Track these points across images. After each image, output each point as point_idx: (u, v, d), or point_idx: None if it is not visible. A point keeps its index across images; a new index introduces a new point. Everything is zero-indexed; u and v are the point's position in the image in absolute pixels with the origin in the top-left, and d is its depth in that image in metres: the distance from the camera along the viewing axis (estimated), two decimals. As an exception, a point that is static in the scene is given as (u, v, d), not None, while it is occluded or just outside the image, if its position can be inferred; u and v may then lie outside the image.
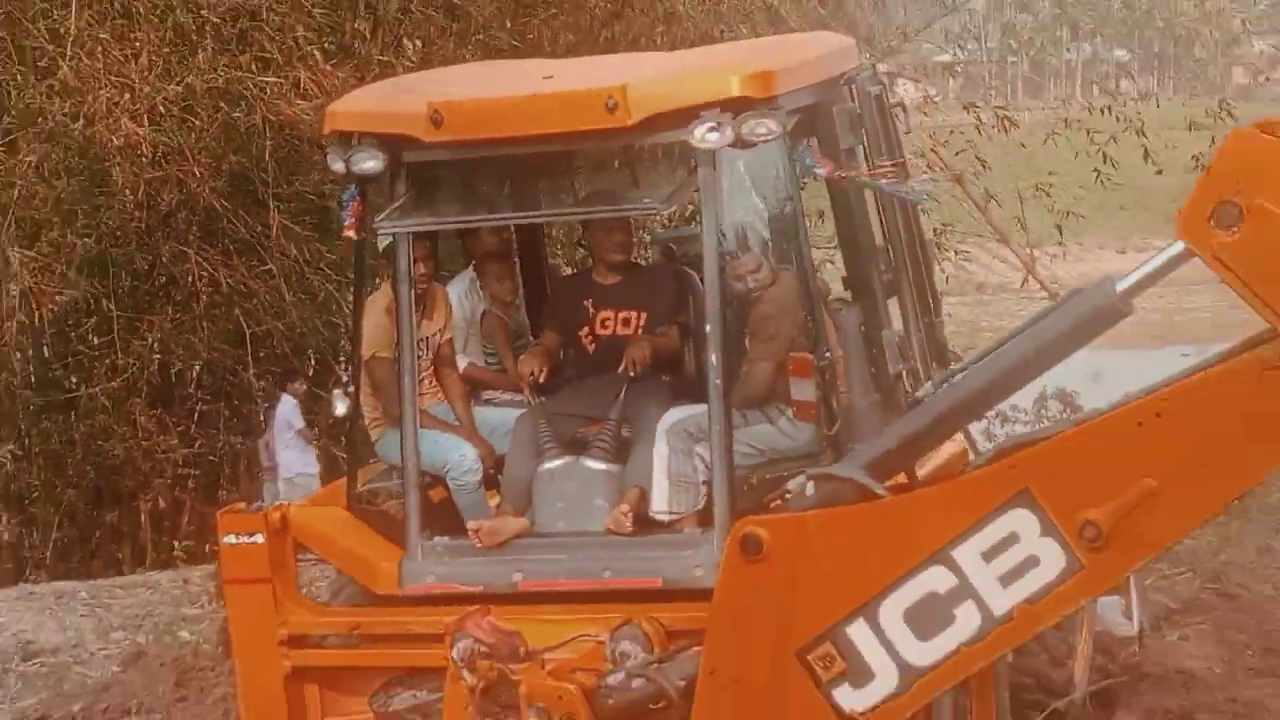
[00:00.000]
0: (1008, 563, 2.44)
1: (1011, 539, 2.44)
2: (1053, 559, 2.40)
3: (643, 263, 4.90)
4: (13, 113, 7.42)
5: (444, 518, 3.79)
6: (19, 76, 7.34)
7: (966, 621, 2.47)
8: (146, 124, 6.99)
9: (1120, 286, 2.33)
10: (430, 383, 3.90)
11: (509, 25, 8.00)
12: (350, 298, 4.83)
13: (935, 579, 2.47)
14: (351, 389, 4.03)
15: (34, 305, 7.01)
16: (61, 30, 7.11)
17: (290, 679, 3.77)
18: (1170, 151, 10.81)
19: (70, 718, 5.27)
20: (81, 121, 6.95)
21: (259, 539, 3.76)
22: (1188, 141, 10.27)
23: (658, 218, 5.47)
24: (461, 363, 4.00)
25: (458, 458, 3.70)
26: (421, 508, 3.65)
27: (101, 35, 7.08)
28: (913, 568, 2.49)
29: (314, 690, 3.85)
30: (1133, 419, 2.37)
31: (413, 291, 3.62)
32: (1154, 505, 2.31)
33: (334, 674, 3.88)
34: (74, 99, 7.01)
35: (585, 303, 3.86)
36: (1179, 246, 2.25)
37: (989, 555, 2.45)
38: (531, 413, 3.78)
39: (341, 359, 5.28)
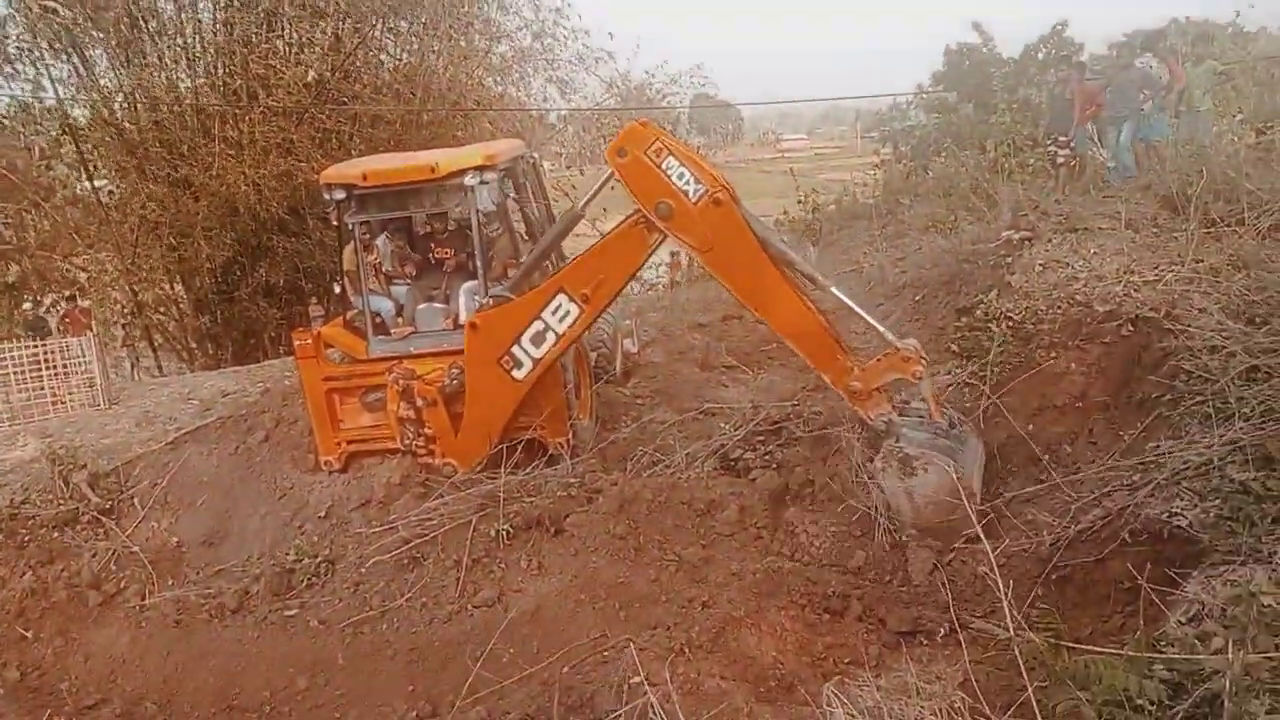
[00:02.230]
0: (561, 314, 7.21)
1: (560, 306, 7.20)
2: (574, 311, 7.16)
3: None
4: (195, 183, 14.98)
5: (382, 327, 9.26)
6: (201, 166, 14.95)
7: (551, 338, 7.33)
8: (252, 185, 14.53)
9: (582, 202, 7.58)
10: (372, 280, 9.31)
11: (393, 140, 15.47)
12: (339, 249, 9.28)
13: (537, 325, 7.26)
14: (338, 290, 9.45)
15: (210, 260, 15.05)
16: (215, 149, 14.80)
17: (326, 392, 8.47)
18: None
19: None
20: (224, 186, 14.63)
21: (309, 339, 8.43)
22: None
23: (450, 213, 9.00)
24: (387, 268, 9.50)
25: (387, 305, 9.20)
26: (372, 325, 9.18)
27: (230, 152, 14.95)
28: (528, 323, 7.31)
29: (335, 397, 8.43)
30: (592, 252, 7.14)
31: (358, 243, 9.04)
32: (602, 285, 7.12)
33: (344, 389, 8.35)
34: (220, 178, 14.56)
35: (431, 244, 9.35)
36: (608, 170, 7.00)
37: (554, 312, 7.23)
38: (411, 289, 9.32)
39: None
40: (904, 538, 6.21)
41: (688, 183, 6.61)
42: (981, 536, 4.32)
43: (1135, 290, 7.26)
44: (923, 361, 6.44)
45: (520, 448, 7.63)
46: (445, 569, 6.49)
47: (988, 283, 8.75)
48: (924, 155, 19.26)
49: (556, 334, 7.34)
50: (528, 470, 7.40)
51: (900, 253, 12.43)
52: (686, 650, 5.10)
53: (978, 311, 7.78)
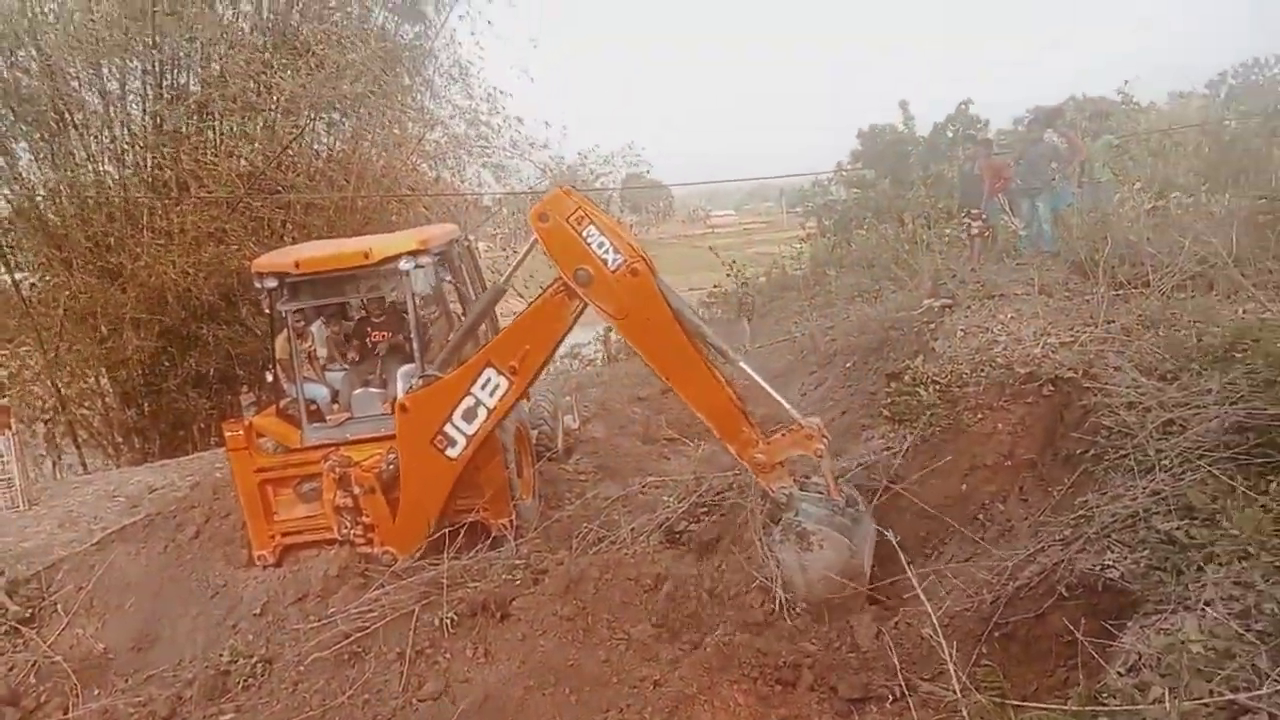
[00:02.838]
0: (490, 388, 7.15)
1: (489, 380, 7.13)
2: (503, 384, 7.12)
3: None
4: (124, 273, 14.74)
5: (318, 414, 9.14)
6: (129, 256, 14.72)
7: (482, 413, 7.27)
8: (182, 274, 14.42)
9: (505, 276, 7.60)
10: (306, 367, 9.22)
11: (327, 226, 15.78)
12: (271, 337, 9.20)
13: (467, 401, 7.19)
14: (270, 378, 9.27)
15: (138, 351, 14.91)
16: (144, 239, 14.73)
17: (260, 484, 8.36)
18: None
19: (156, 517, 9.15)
20: (154, 276, 14.40)
21: (241, 430, 8.60)
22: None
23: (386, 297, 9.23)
24: (321, 354, 9.41)
25: (322, 391, 9.08)
26: (306, 413, 9.03)
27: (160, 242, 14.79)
28: (458, 400, 7.26)
29: (268, 488, 8.37)
30: (516, 324, 7.15)
31: (292, 330, 8.95)
32: (529, 355, 7.04)
33: (278, 480, 8.33)
34: (149, 266, 14.38)
35: (367, 329, 9.31)
36: (533, 237, 6.93)
37: (483, 386, 7.14)
38: (347, 374, 9.24)
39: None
40: (797, 609, 6.27)
41: (607, 251, 6.70)
42: (924, 598, 4.38)
43: (1053, 351, 7.58)
44: (824, 440, 6.66)
45: (463, 531, 7.51)
46: (388, 663, 6.29)
47: (913, 348, 9.04)
48: (847, 229, 20.01)
49: (487, 408, 7.29)
50: (471, 554, 7.27)
51: (829, 321, 12.80)
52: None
53: (906, 377, 8.02)
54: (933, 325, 9.08)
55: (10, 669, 7.03)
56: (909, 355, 8.70)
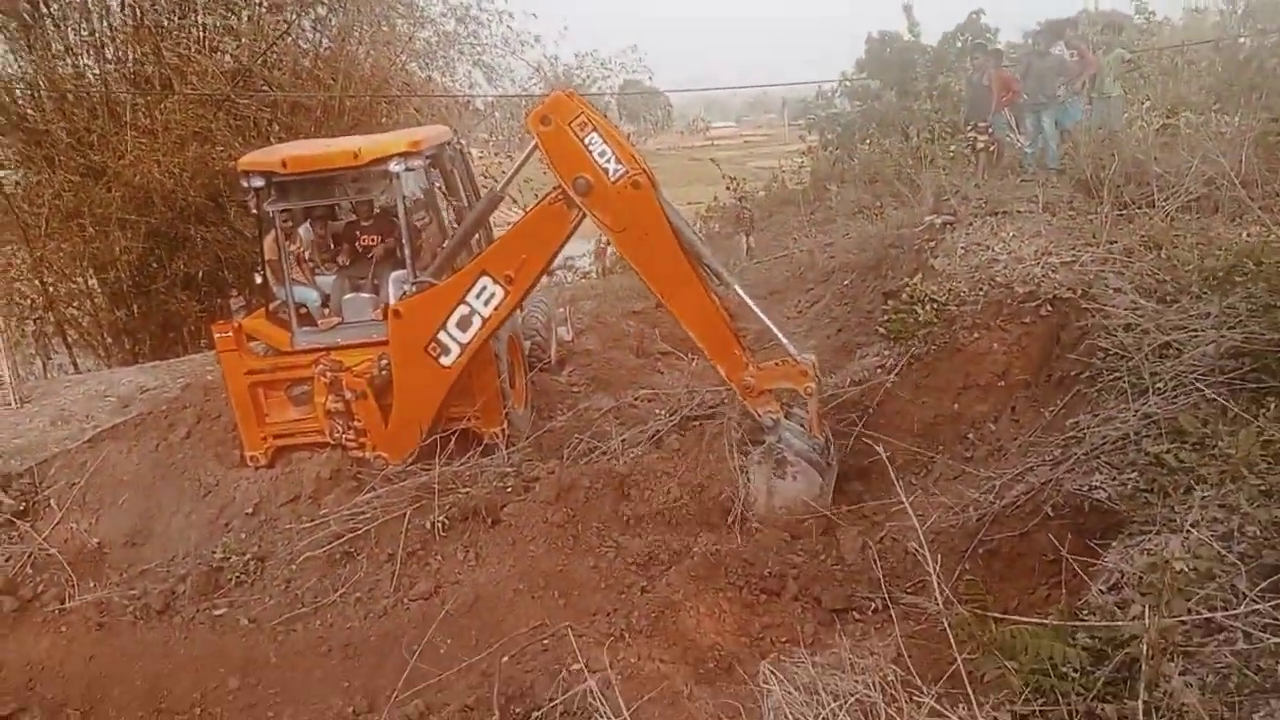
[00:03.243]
0: (485, 297, 7.01)
1: (484, 288, 7.00)
2: (499, 293, 6.99)
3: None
4: (109, 172, 14.19)
5: (308, 318, 9.02)
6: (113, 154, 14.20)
7: (477, 322, 7.10)
8: (168, 174, 13.95)
9: (502, 183, 7.39)
10: (296, 270, 9.03)
11: (314, 128, 15.14)
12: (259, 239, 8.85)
13: (462, 310, 7.06)
14: (259, 280, 9.12)
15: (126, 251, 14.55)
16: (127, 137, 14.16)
17: (250, 386, 8.15)
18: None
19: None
20: (138, 175, 13.88)
21: (231, 332, 8.29)
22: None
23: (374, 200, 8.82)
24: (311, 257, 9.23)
25: (312, 295, 8.96)
26: (296, 316, 8.91)
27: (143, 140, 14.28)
28: (452, 308, 7.09)
29: (259, 390, 8.19)
30: (514, 232, 7.06)
31: (279, 232, 8.74)
32: (525, 265, 6.93)
33: (268, 383, 8.15)
34: (133, 165, 13.92)
35: (356, 232, 9.11)
36: (532, 141, 6.70)
37: (478, 295, 7.02)
38: (338, 279, 9.09)
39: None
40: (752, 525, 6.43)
41: (609, 161, 6.49)
42: (911, 513, 4.41)
43: (1053, 271, 7.49)
44: (817, 379, 6.67)
45: (454, 438, 7.52)
46: (379, 563, 6.38)
47: (912, 266, 8.93)
48: (850, 142, 19.56)
49: (482, 317, 7.21)
50: (463, 461, 7.30)
51: (829, 238, 12.63)
52: (626, 635, 5.12)
53: (903, 294, 7.94)
54: (933, 243, 8.94)
55: (7, 559, 7.11)
56: (908, 273, 8.60)
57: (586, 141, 6.49)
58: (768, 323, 6.88)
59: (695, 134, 57.36)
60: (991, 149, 12.08)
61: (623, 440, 7.62)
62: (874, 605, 5.52)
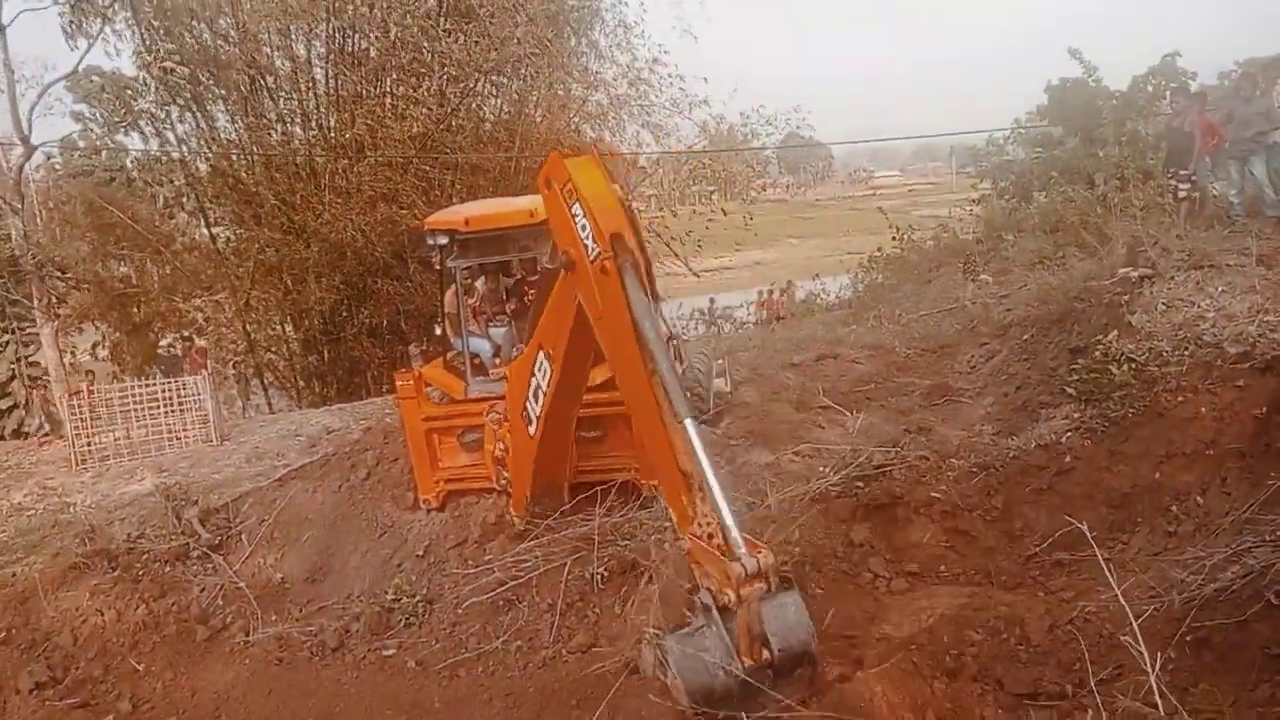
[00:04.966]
0: (543, 372, 6.55)
1: (541, 363, 6.55)
2: (548, 368, 6.48)
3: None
4: (308, 230, 15.76)
5: (481, 368, 9.33)
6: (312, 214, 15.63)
7: (541, 395, 6.64)
8: (359, 231, 15.02)
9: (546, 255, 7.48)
10: (471, 322, 9.37)
11: (491, 187, 15.97)
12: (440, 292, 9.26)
13: (533, 382, 6.70)
14: (438, 331, 9.56)
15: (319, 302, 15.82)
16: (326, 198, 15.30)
17: (426, 432, 8.51)
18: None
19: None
20: (334, 233, 15.38)
21: (410, 380, 8.59)
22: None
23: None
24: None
25: (485, 345, 9.27)
26: (470, 366, 9.25)
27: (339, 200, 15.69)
28: (528, 379, 6.72)
29: (434, 436, 8.50)
30: (548, 308, 6.33)
31: (459, 286, 9.16)
32: (556, 340, 6.21)
33: (443, 429, 8.45)
34: (330, 224, 15.29)
35: (525, 286, 9.38)
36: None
37: (539, 368, 6.59)
38: (508, 330, 9.39)
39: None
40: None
41: (588, 237, 5.43)
42: (1121, 597, 3.95)
43: (1271, 330, 6.74)
44: (759, 583, 4.51)
45: (614, 489, 7.54)
46: (540, 612, 6.43)
47: (1103, 322, 8.29)
48: (1026, 190, 18.59)
49: (544, 391, 6.75)
50: (622, 513, 7.29)
51: (1004, 290, 11.96)
52: (792, 704, 4.86)
53: (1095, 352, 7.35)
54: (1128, 297, 8.27)
55: (201, 590, 7.68)
56: (1099, 329, 7.97)
57: (572, 211, 5.59)
58: (719, 501, 4.70)
59: (857, 183, 56.58)
60: (1194, 197, 11.13)
61: (781, 499, 7.38)
62: (1065, 693, 5.01)
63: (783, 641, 4.73)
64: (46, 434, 15.04)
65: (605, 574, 6.54)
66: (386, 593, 7.08)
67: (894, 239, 17.81)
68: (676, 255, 17.99)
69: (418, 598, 6.93)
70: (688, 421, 4.98)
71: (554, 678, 5.89)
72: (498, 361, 9.00)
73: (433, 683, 6.12)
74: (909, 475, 6.93)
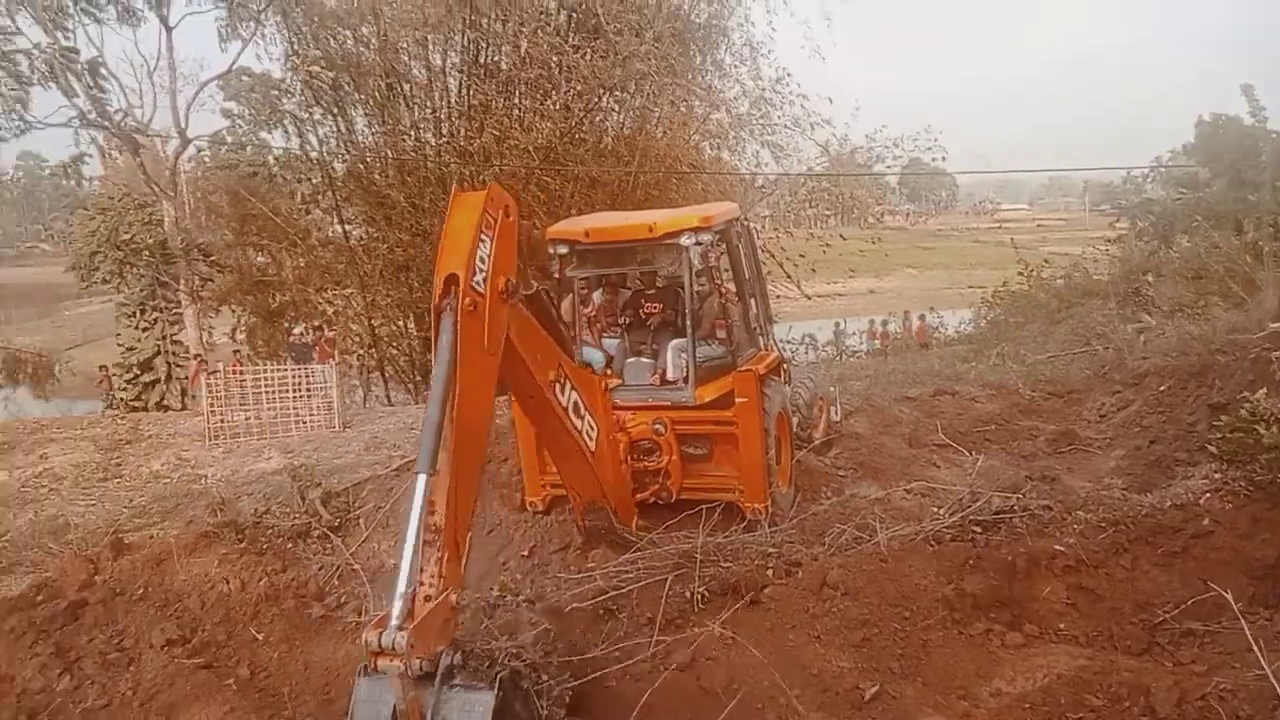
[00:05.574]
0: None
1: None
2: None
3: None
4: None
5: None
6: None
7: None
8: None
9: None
10: (586, 332, 9.54)
11: (609, 201, 16.10)
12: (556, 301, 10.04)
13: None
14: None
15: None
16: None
17: (535, 436, 9.63)
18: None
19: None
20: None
21: None
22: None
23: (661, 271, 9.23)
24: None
25: (598, 356, 9.42)
26: None
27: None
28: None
29: None
30: None
31: (576, 296, 9.33)
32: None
33: None
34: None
35: (641, 300, 9.52)
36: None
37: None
38: (621, 342, 9.51)
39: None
40: None
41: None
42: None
43: None
44: (384, 660, 4.12)
45: (718, 510, 7.52)
46: (639, 625, 6.44)
47: (1249, 378, 7.81)
48: (1167, 233, 17.67)
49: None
50: (726, 534, 7.26)
51: (1142, 336, 11.38)
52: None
53: (1241, 410, 6.90)
54: (1278, 353, 7.75)
55: (319, 569, 8.02)
56: (1243, 385, 7.50)
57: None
58: (407, 544, 4.39)
59: (981, 215, 54.84)
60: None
61: (891, 536, 7.20)
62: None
63: None
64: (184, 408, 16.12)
65: (706, 594, 6.51)
66: (492, 589, 7.22)
67: (1021, 274, 17.19)
68: (789, 277, 17.86)
69: (521, 596, 7.03)
70: (420, 476, 4.50)
71: (652, 692, 5.88)
72: (608, 372, 9.12)
73: (533, 685, 6.20)
74: (1030, 525, 6.65)
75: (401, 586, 4.32)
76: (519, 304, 5.75)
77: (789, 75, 19.38)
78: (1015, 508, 6.85)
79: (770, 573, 6.77)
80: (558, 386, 6.54)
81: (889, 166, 22.17)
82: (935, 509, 7.45)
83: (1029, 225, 48.69)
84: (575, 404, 6.81)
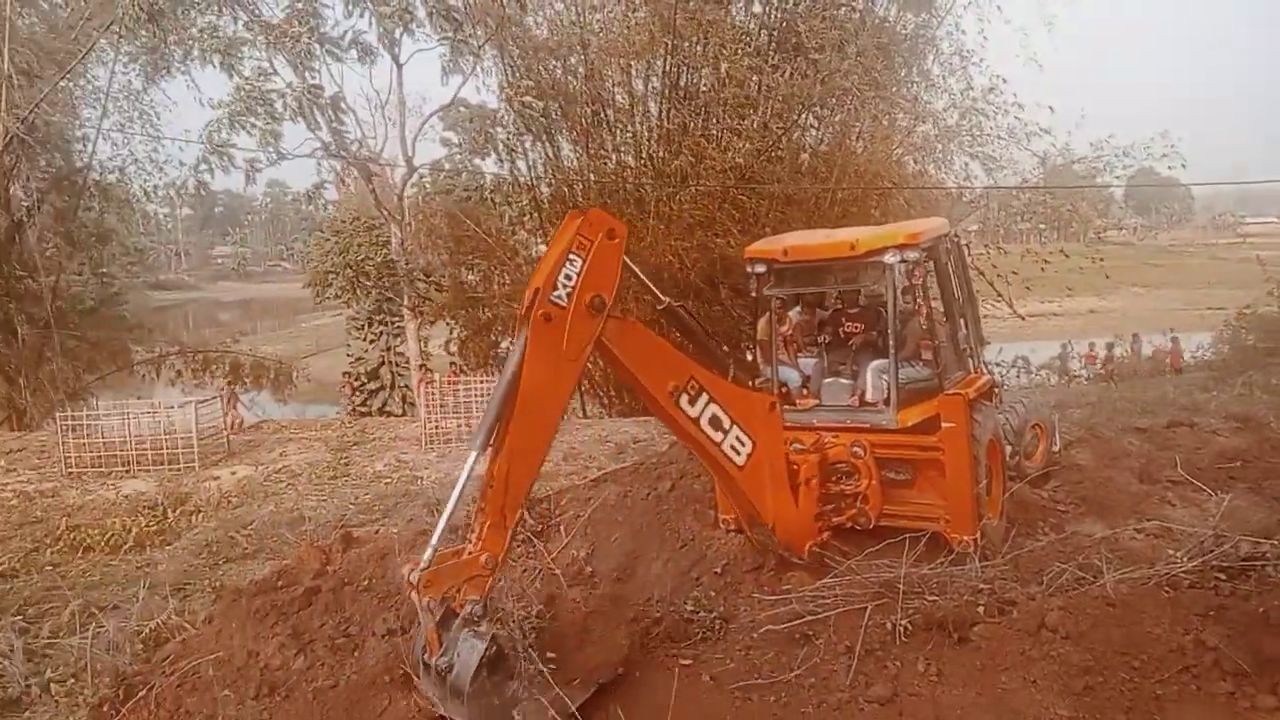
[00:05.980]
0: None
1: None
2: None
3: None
4: (631, 252, 19.18)
5: (788, 397, 9.19)
6: (635, 239, 16.70)
7: None
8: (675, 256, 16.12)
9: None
10: (782, 351, 9.40)
11: (805, 219, 16.00)
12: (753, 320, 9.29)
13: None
14: (749, 358, 9.64)
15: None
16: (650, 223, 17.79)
17: None
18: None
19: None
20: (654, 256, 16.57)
21: None
22: None
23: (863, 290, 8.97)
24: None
25: (794, 375, 9.29)
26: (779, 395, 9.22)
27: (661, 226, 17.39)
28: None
29: None
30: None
31: (773, 315, 9.25)
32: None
33: None
34: (651, 247, 17.05)
35: (841, 319, 9.29)
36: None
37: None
38: (818, 362, 9.30)
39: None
40: None
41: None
42: None
43: None
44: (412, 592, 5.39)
45: (923, 540, 7.19)
46: (836, 653, 6.26)
47: None
48: None
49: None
50: (931, 565, 6.92)
51: None
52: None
53: None
54: None
55: (523, 571, 8.37)
56: None
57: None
58: (448, 508, 5.62)
59: (1221, 230, 49.44)
60: None
61: (1119, 579, 6.58)
62: None
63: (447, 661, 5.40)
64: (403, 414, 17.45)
65: (909, 626, 6.23)
66: (686, 604, 7.27)
67: (1271, 294, 15.34)
68: (999, 295, 16.85)
69: (714, 614, 7.04)
70: (471, 454, 5.72)
71: (851, 726, 5.70)
72: (804, 392, 8.97)
73: (725, 701, 6.16)
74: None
75: (434, 540, 5.42)
76: (626, 318, 6.45)
77: (1004, 83, 18.38)
78: (1268, 554, 6.08)
79: (981, 610, 6.42)
80: (684, 397, 6.62)
81: (1117, 177, 20.47)
82: (1171, 551, 6.76)
83: (1278, 240, 43.29)
84: (714, 417, 6.78)
